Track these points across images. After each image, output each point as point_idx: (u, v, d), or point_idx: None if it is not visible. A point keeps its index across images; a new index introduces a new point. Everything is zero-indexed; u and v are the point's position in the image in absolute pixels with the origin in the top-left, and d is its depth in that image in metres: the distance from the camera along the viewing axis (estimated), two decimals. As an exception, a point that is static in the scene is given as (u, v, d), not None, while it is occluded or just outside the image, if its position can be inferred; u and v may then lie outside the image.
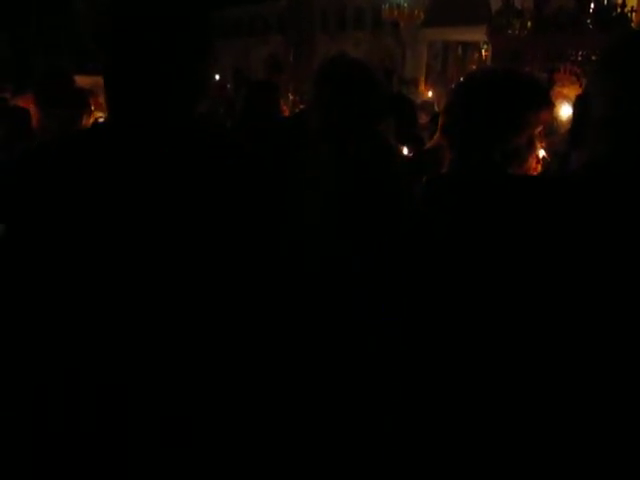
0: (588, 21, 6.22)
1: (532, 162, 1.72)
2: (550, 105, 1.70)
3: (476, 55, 19.18)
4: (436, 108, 7.98)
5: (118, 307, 0.95)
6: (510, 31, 7.04)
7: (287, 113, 8.70)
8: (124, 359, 0.95)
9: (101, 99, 3.43)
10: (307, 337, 1.01)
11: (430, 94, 12.33)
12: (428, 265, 0.99)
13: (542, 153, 1.80)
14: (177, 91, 1.02)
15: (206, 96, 1.09)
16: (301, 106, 11.77)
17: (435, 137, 1.82)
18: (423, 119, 8.53)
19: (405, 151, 3.95)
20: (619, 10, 6.16)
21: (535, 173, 1.75)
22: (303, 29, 16.91)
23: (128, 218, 0.96)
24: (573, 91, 5.67)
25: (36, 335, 0.96)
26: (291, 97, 13.64)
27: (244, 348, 0.96)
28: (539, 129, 1.71)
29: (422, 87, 16.39)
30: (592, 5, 6.26)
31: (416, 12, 15.65)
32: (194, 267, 0.96)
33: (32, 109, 3.05)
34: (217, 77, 6.31)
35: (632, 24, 6.18)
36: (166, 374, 0.96)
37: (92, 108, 3.38)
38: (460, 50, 20.40)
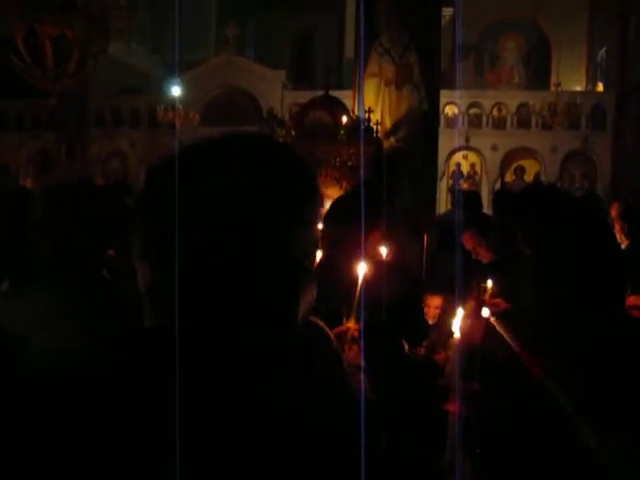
0: (341, 132, 7.19)
1: None
2: None
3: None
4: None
5: None
6: (276, 137, 7.78)
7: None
8: None
9: None
10: None
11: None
12: None
13: None
14: None
15: None
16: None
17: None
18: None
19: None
20: (366, 124, 7.21)
21: None
22: (76, 126, 16.60)
23: None
24: (335, 192, 6.41)
25: None
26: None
27: None
28: None
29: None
30: (344, 119, 7.28)
31: (191, 115, 16.29)
32: None
33: None
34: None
35: (377, 134, 7.27)
36: None
37: None
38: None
